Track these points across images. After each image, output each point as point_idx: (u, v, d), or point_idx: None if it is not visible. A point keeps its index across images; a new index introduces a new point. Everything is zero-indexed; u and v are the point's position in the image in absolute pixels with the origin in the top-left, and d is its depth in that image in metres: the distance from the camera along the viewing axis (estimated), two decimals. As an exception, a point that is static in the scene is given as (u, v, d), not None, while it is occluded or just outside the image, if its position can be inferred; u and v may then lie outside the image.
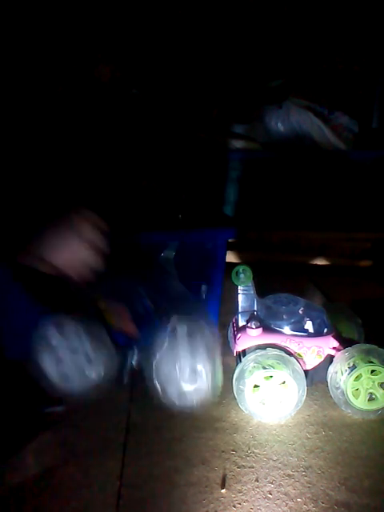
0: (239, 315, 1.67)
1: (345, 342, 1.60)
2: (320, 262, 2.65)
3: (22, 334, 1.76)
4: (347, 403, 1.55)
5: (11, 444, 1.42)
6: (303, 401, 1.54)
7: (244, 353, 1.60)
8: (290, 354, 1.55)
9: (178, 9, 2.84)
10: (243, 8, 2.94)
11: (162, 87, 2.80)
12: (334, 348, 1.60)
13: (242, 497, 1.29)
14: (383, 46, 3.04)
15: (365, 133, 2.97)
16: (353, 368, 1.53)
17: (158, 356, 1.39)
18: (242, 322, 1.67)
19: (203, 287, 1.89)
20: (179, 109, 2.71)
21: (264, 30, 3.00)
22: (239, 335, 1.62)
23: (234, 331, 1.71)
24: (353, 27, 3.05)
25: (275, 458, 1.41)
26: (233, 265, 1.67)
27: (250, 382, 1.52)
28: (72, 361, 1.37)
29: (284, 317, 1.63)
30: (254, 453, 1.43)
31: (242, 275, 1.62)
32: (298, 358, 1.57)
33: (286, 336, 1.59)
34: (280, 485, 1.32)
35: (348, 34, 3.07)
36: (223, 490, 1.30)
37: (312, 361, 1.61)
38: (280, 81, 3.00)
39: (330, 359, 1.60)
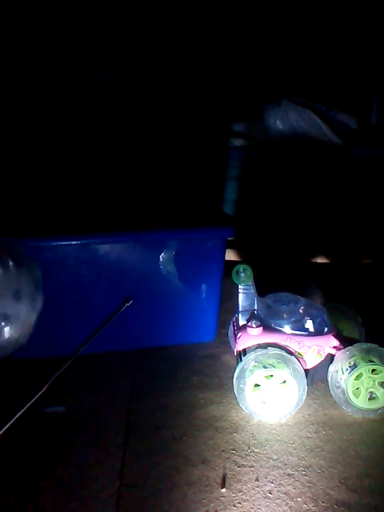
0: (239, 314, 1.67)
1: (345, 341, 1.60)
2: (321, 260, 2.64)
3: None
4: (348, 402, 1.55)
5: (11, 444, 1.42)
6: (303, 400, 1.54)
7: (244, 352, 1.59)
8: (291, 353, 1.54)
9: (175, 7, 2.83)
10: (242, 6, 2.93)
11: (161, 86, 2.79)
12: (334, 347, 1.60)
13: (242, 496, 1.28)
14: (380, 43, 3.03)
15: (364, 129, 2.96)
16: (353, 367, 1.52)
17: None
18: (242, 321, 1.66)
19: (203, 286, 1.89)
20: (179, 108, 2.71)
21: (262, 28, 2.99)
22: (240, 334, 1.61)
23: (235, 330, 1.70)
24: (350, 23, 3.04)
25: (275, 457, 1.41)
26: (233, 263, 1.67)
27: (250, 381, 1.52)
28: None
29: (284, 316, 1.63)
30: (254, 452, 1.43)
31: (242, 274, 1.62)
32: (298, 357, 1.57)
33: (286, 335, 1.59)
34: (280, 484, 1.32)
35: (346, 31, 3.06)
36: (223, 490, 1.30)
37: (312, 360, 1.61)
38: (278, 78, 2.99)
39: (330, 358, 1.60)
